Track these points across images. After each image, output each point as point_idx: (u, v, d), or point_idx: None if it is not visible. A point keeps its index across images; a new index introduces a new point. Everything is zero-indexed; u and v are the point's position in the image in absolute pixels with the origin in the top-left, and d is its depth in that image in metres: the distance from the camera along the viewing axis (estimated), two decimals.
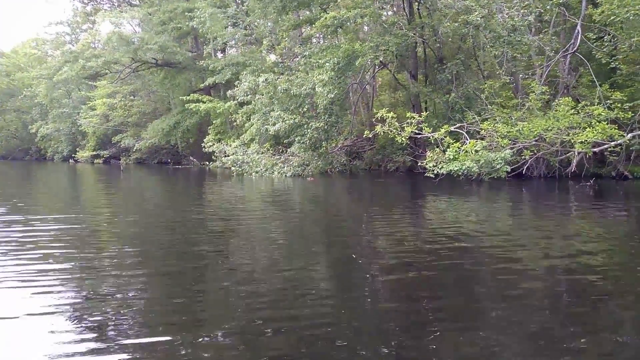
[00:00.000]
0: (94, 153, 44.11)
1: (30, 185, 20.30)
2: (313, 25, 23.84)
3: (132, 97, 43.68)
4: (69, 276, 5.53)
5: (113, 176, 25.99)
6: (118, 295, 4.82)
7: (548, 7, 17.71)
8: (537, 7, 16.10)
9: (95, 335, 3.84)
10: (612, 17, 15.01)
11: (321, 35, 32.78)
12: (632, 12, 13.72)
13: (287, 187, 17.12)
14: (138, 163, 40.33)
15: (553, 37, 18.59)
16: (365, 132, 16.73)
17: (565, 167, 17.05)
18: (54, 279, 5.34)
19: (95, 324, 4.06)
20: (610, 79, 18.75)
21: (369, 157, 24.17)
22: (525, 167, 15.72)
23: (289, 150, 21.97)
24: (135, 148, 39.29)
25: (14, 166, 42.37)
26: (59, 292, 4.92)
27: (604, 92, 16.86)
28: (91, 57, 35.31)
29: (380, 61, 19.67)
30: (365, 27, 22.25)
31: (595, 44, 17.75)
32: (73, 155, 47.48)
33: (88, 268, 5.84)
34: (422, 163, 15.22)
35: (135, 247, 7.13)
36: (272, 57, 31.73)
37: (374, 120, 16.10)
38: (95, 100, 43.43)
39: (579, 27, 17.88)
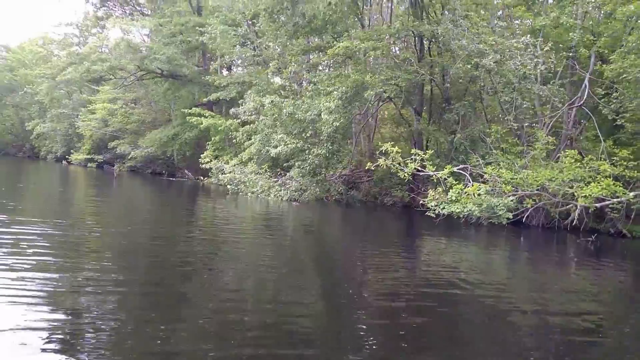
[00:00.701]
0: (88, 157, 43.60)
1: (21, 185, 19.85)
2: (323, 53, 23.92)
3: (133, 105, 43.50)
4: (46, 287, 5.22)
5: (106, 182, 25.56)
6: (93, 313, 4.59)
7: (553, 59, 17.84)
8: (550, 59, 16.17)
9: (63, 351, 3.64)
10: (623, 75, 15.08)
11: (329, 64, 32.99)
12: None
13: (282, 211, 16.81)
14: (132, 171, 39.88)
15: (561, 89, 18.68)
16: (368, 164, 16.53)
17: (563, 218, 16.90)
18: (30, 289, 5.07)
19: (65, 341, 3.86)
20: (613, 135, 18.78)
21: (366, 189, 23.95)
22: (525, 216, 15.53)
23: (287, 174, 21.72)
24: (130, 156, 38.87)
25: (5, 162, 41.80)
26: (33, 303, 4.67)
27: (607, 148, 16.84)
28: (97, 60, 35.24)
29: (387, 96, 19.67)
30: (371, 59, 22.34)
31: (602, 99, 17.83)
32: (67, 156, 46.93)
33: (67, 280, 5.52)
34: (423, 201, 15.00)
35: (118, 262, 6.80)
36: (277, 80, 31.78)
37: (377, 153, 15.95)
38: (95, 104, 43.19)
39: (586, 82, 17.98)
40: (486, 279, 7.99)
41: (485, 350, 4.51)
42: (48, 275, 5.69)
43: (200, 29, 30.72)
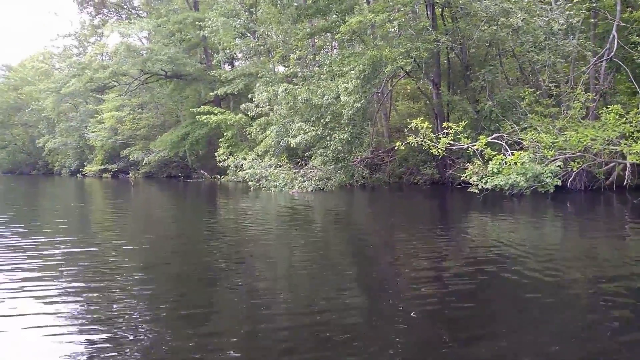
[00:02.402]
0: (102, 167, 43.32)
1: (38, 203, 19.38)
2: (330, 34, 22.94)
3: (140, 110, 43.00)
4: (77, 310, 4.63)
5: (123, 191, 25.05)
6: (123, 325, 4.18)
7: (583, 10, 16.72)
8: (581, 9, 15.08)
9: None
10: None
11: (333, 45, 31.92)
12: None
13: (308, 202, 16.09)
14: (147, 177, 39.46)
15: (588, 42, 17.58)
16: (397, 143, 15.66)
17: (606, 178, 16.00)
18: (59, 315, 4.55)
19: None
20: None
21: (390, 170, 23.10)
22: (570, 180, 14.61)
23: (308, 164, 20.94)
24: (144, 162, 38.43)
25: (21, 181, 41.57)
26: (64, 333, 4.10)
27: None
28: (99, 68, 34.66)
29: (405, 70, 18.68)
30: (388, 32, 21.26)
31: (635, 48, 16.70)
32: (81, 169, 46.71)
33: (94, 304, 4.89)
34: (464, 177, 14.12)
35: (147, 273, 6.28)
36: (281, 69, 30.87)
37: (406, 130, 15.05)
38: (103, 114, 42.73)
39: (614, 31, 16.85)
40: (540, 252, 7.21)
41: (540, 333, 3.94)
42: (79, 298, 5.14)
43: (200, 23, 29.85)
